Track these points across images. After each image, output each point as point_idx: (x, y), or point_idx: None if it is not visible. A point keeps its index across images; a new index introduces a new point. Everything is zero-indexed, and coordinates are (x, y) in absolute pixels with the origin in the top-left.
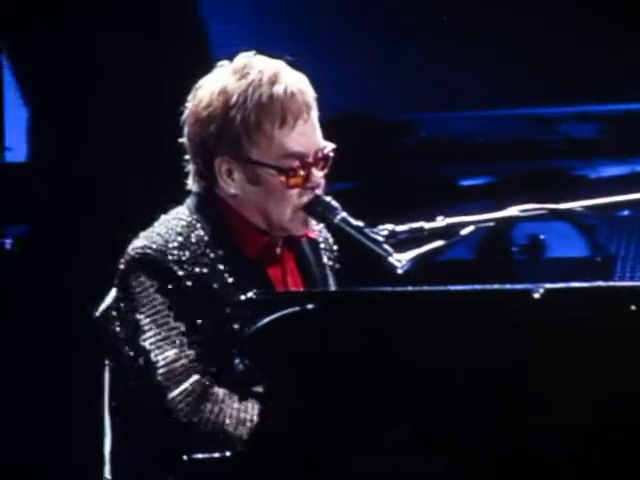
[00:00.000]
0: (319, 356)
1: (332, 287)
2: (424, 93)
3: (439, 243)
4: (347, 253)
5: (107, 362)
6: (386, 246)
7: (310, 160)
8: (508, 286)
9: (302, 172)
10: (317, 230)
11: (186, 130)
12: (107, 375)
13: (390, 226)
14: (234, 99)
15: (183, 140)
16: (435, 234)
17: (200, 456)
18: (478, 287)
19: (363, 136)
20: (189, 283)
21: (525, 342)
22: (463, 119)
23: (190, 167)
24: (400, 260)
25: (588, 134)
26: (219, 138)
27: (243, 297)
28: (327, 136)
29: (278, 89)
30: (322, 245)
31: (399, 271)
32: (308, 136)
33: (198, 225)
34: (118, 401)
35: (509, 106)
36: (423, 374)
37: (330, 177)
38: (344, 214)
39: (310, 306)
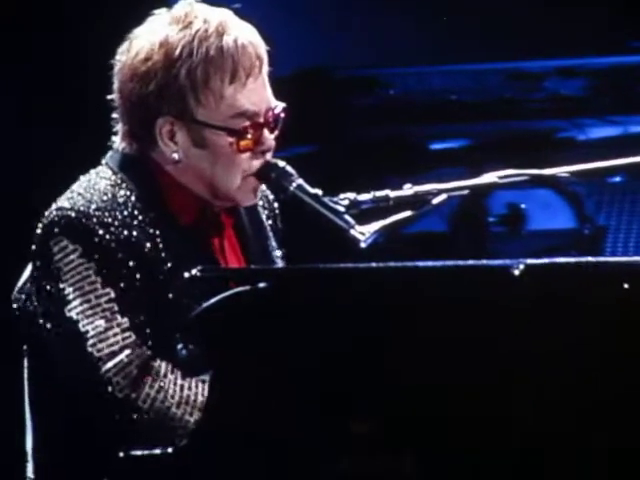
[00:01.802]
0: (273, 341)
1: (275, 251)
2: (390, 46)
3: (407, 214)
4: (304, 225)
5: (25, 348)
6: (347, 217)
7: (261, 120)
8: (484, 262)
9: (253, 133)
10: None
11: (118, 86)
12: (25, 363)
13: (352, 195)
14: (178, 52)
15: (113, 97)
16: (402, 204)
17: (139, 452)
18: (450, 263)
19: (321, 94)
20: (117, 247)
21: (504, 325)
22: (434, 75)
23: (119, 127)
24: (363, 233)
25: (575, 91)
26: (160, 96)
27: (186, 274)
28: (283, 94)
29: (228, 41)
30: (260, 203)
31: (362, 245)
32: (259, 94)
33: (124, 185)
34: (38, 391)
35: (486, 60)
36: (389, 361)
37: (285, 140)
38: (300, 181)
39: (263, 284)
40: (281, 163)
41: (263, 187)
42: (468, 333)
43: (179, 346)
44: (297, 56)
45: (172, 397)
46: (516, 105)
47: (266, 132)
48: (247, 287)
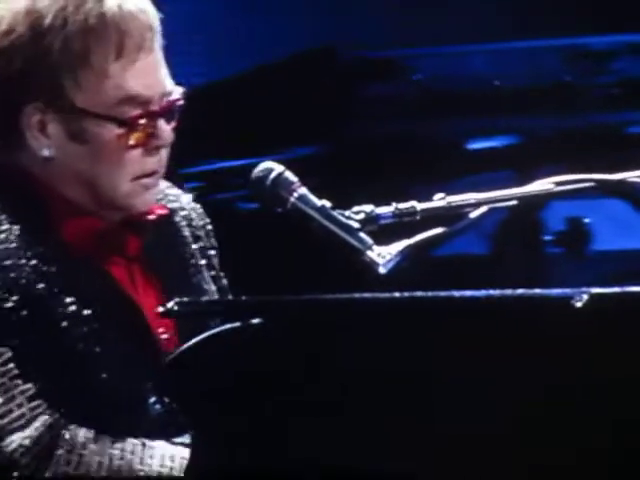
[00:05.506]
0: (267, 390)
1: (203, 274)
2: (418, 22)
3: (438, 231)
4: (307, 245)
5: None
6: (363, 235)
7: (156, 108)
8: (538, 291)
9: (146, 124)
10: (171, 198)
11: None
12: None
13: (368, 207)
14: (48, 20)
15: None
16: (433, 218)
17: None
18: (495, 293)
19: (328, 82)
20: (5, 293)
21: (563, 368)
22: (472, 55)
23: None
24: (383, 255)
25: None
26: (27, 77)
27: (161, 309)
28: (279, 83)
29: (111, 5)
30: (183, 222)
31: (381, 270)
32: (153, 74)
33: (3, 216)
34: None
35: (538, 36)
36: (416, 413)
37: (283, 140)
38: (303, 190)
39: (256, 320)
40: (279, 168)
41: (188, 201)
42: (519, 379)
43: (151, 400)
44: (296, 35)
45: (97, 471)
46: (578, 92)
47: (162, 123)
48: (236, 324)
